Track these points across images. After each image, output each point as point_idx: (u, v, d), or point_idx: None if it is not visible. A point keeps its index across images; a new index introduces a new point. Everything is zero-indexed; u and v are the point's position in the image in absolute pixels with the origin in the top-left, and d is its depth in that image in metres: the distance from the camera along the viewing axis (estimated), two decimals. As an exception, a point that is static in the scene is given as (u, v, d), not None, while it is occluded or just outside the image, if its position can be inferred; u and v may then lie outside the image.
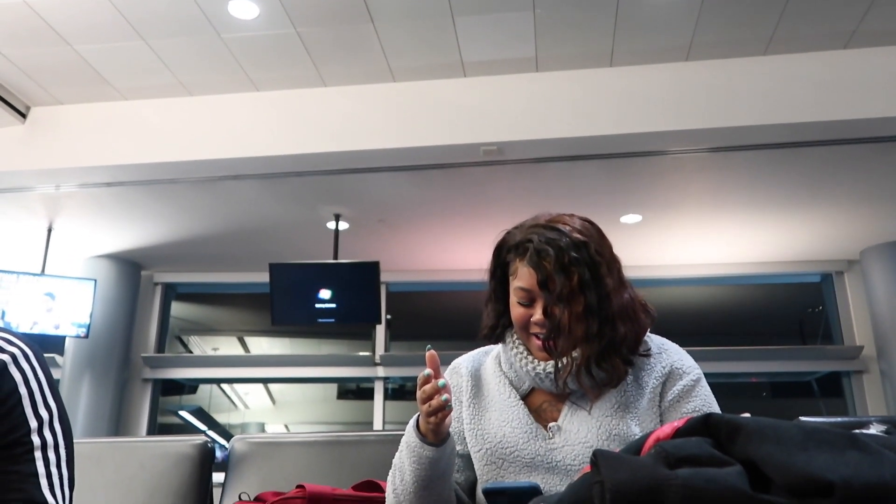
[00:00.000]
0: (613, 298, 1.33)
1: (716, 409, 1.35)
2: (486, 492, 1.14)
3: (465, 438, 1.43)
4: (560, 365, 1.35)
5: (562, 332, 1.32)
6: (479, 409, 1.43)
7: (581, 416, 1.35)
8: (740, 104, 3.65)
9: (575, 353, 1.35)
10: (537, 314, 1.34)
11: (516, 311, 1.38)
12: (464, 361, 1.53)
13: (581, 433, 1.33)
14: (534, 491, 1.07)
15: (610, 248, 1.40)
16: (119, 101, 4.12)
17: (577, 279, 1.30)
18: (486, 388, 1.46)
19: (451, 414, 1.30)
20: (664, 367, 1.40)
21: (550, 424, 1.36)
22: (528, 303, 1.36)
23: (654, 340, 1.45)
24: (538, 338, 1.36)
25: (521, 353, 1.41)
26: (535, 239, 1.34)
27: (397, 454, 1.37)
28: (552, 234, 1.34)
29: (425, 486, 1.31)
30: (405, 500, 1.33)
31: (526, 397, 1.43)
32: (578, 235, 1.34)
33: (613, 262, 1.38)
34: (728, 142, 3.77)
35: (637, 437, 1.18)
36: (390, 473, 1.38)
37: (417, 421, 1.32)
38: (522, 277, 1.35)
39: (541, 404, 1.41)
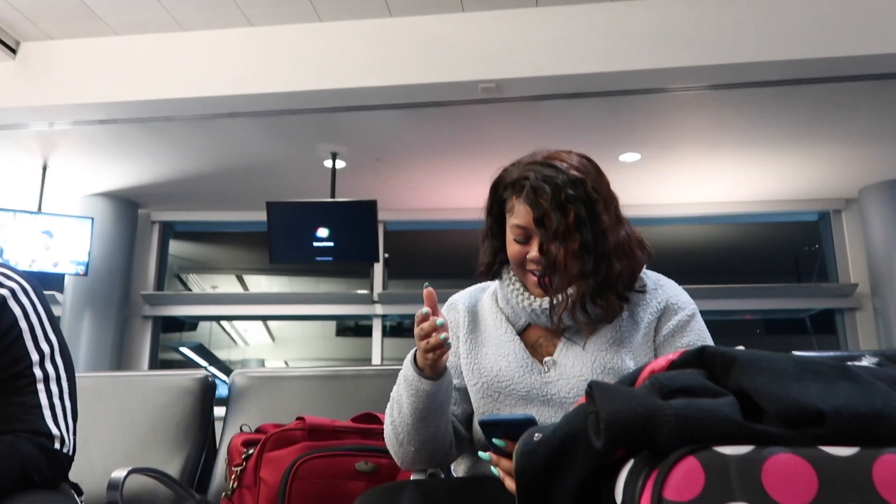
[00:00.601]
0: (609, 236, 1.33)
1: (710, 343, 1.36)
2: (483, 423, 1.16)
3: (461, 372, 1.45)
4: (556, 301, 1.36)
5: (557, 268, 1.33)
6: (475, 344, 1.45)
7: (576, 351, 1.37)
8: (741, 40, 3.59)
9: (570, 290, 1.35)
10: (533, 251, 1.34)
11: (512, 248, 1.38)
12: (461, 298, 1.54)
13: (576, 367, 1.35)
14: (529, 422, 1.09)
15: (607, 184, 1.39)
16: (111, 37, 4.04)
17: (573, 216, 1.30)
18: (482, 324, 1.48)
19: (449, 350, 1.31)
20: (659, 303, 1.41)
21: (546, 359, 1.38)
22: (525, 240, 1.36)
23: (649, 276, 1.46)
24: (534, 274, 1.37)
25: (518, 289, 1.42)
26: (532, 176, 1.34)
27: (395, 387, 1.39)
28: (549, 171, 1.34)
29: (422, 419, 1.33)
30: (403, 432, 1.36)
31: (522, 333, 1.44)
32: (575, 172, 1.33)
33: (611, 200, 1.38)
34: (728, 79, 3.72)
35: (631, 371, 1.21)
36: (388, 406, 1.40)
37: (415, 355, 1.33)
38: (519, 215, 1.35)
39: (537, 339, 1.43)
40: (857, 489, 0.69)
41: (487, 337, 1.45)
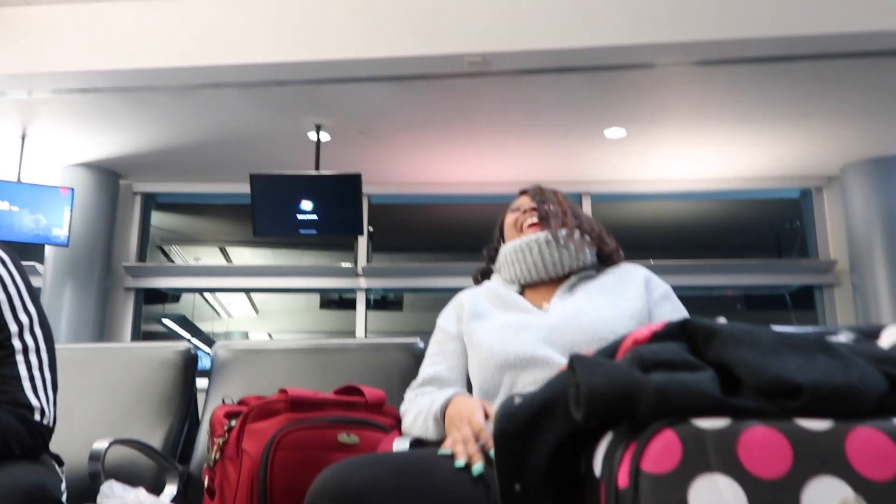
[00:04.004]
0: (593, 222, 1.66)
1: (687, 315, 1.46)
2: None
3: (465, 352, 1.54)
4: (552, 233, 1.56)
5: (553, 212, 1.59)
6: (479, 321, 1.53)
7: (572, 296, 1.52)
8: (727, 16, 3.58)
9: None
10: (529, 204, 1.64)
11: (511, 218, 1.66)
12: (463, 292, 1.66)
13: (574, 303, 1.49)
14: None
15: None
16: (91, 3, 3.96)
17: (565, 201, 1.65)
18: (483, 303, 1.58)
19: (454, 357, 1.52)
20: (641, 275, 1.57)
21: (544, 304, 1.52)
22: (526, 212, 1.63)
23: (635, 268, 1.64)
24: (532, 221, 1.60)
25: (513, 245, 1.59)
26: (533, 189, 1.70)
27: (426, 415, 1.41)
28: (548, 192, 1.69)
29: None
30: (430, 434, 1.41)
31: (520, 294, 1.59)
32: (564, 199, 1.69)
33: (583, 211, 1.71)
34: (714, 55, 3.72)
35: (623, 312, 1.43)
36: (413, 418, 1.45)
37: (444, 408, 1.37)
38: (518, 201, 1.68)
39: (532, 298, 1.56)
40: (830, 461, 0.70)
41: (487, 310, 1.56)
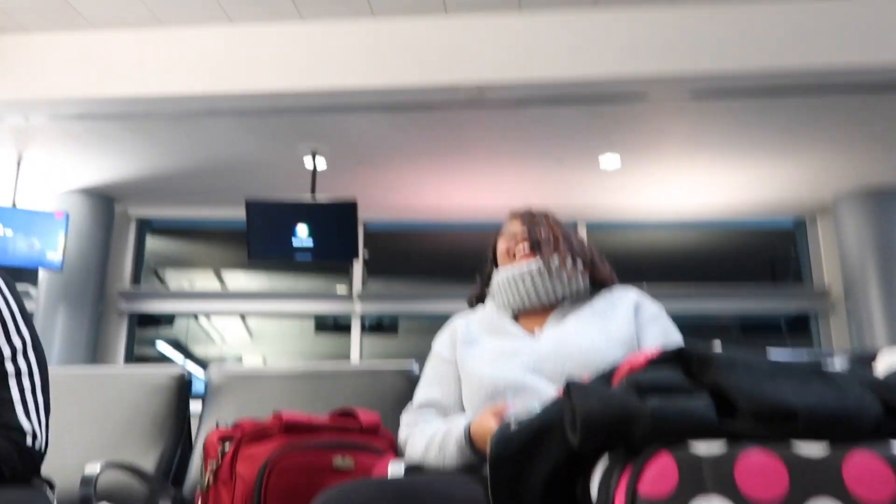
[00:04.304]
0: (585, 246, 1.64)
1: (677, 335, 1.52)
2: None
3: (458, 378, 1.54)
4: (545, 262, 1.55)
5: (545, 239, 1.58)
6: (473, 345, 1.55)
7: (563, 322, 1.53)
8: (721, 50, 3.62)
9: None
10: (522, 233, 1.62)
11: (503, 246, 1.64)
12: (458, 317, 1.67)
13: (564, 329, 1.50)
14: None
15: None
16: (89, 31, 3.99)
17: (556, 225, 1.64)
18: (475, 330, 1.60)
19: (449, 382, 1.52)
20: (631, 299, 1.57)
21: (536, 329, 1.53)
22: (517, 241, 1.62)
23: (626, 291, 1.63)
24: (524, 250, 1.59)
25: (507, 274, 1.58)
26: (524, 214, 1.68)
27: (441, 441, 1.40)
28: (538, 216, 1.68)
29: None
30: (431, 462, 1.41)
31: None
32: (553, 220, 1.68)
33: (575, 234, 1.69)
34: (708, 87, 3.75)
35: (612, 337, 1.44)
36: (425, 446, 1.42)
37: (467, 430, 1.36)
38: (510, 226, 1.67)
39: (525, 324, 1.57)
40: (827, 485, 0.70)
41: (480, 336, 1.58)
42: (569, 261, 1.56)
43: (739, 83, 3.68)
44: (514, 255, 1.61)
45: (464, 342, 1.56)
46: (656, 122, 4.18)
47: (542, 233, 1.60)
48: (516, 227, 1.64)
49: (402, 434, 1.51)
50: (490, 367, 1.46)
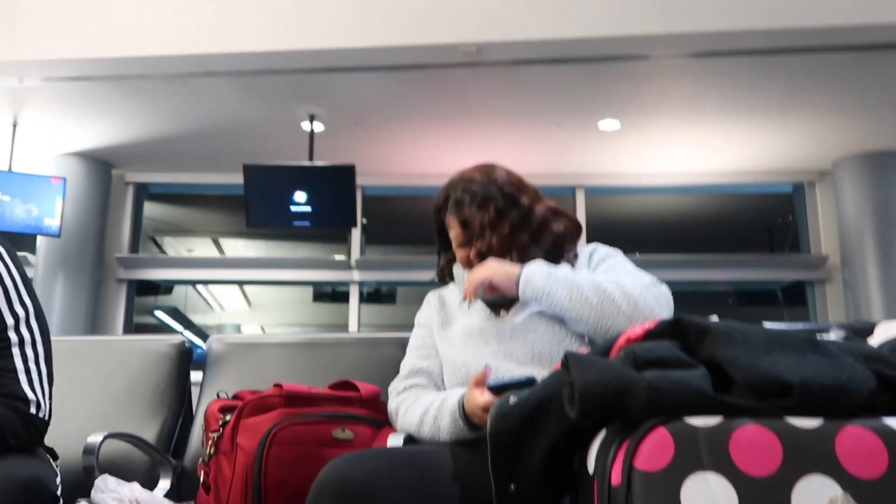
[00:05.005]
0: (535, 208, 1.53)
1: (631, 268, 1.49)
2: (490, 388, 1.28)
3: (437, 352, 1.57)
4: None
5: (492, 254, 1.49)
6: (447, 328, 1.57)
7: (528, 308, 1.49)
8: (721, 8, 3.59)
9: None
10: (472, 250, 1.53)
11: (460, 254, 1.57)
12: (431, 293, 1.69)
13: (530, 307, 1.46)
14: (531, 381, 1.15)
15: (519, 177, 1.60)
16: (82, -9, 3.94)
17: (493, 209, 1.51)
18: (449, 307, 1.61)
19: (435, 352, 1.54)
20: (586, 254, 1.57)
21: (502, 312, 1.51)
22: (467, 243, 1.54)
23: (588, 246, 1.61)
24: (475, 259, 1.52)
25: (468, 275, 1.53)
26: (452, 192, 1.56)
27: (436, 413, 1.41)
28: (463, 183, 1.56)
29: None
30: (427, 436, 1.42)
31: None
32: (485, 177, 1.55)
33: (525, 185, 1.58)
34: (708, 47, 3.72)
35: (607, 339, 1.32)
36: (419, 418, 1.43)
37: (461, 403, 1.37)
38: (452, 226, 1.57)
39: None
40: (820, 460, 0.71)
41: (454, 314, 1.59)
42: (514, 252, 1.49)
43: (739, 42, 3.66)
44: (471, 264, 1.53)
45: (439, 323, 1.59)
46: (656, 83, 4.15)
47: (476, 227, 1.50)
48: (456, 228, 1.55)
49: (392, 404, 1.53)
50: (461, 353, 1.48)
